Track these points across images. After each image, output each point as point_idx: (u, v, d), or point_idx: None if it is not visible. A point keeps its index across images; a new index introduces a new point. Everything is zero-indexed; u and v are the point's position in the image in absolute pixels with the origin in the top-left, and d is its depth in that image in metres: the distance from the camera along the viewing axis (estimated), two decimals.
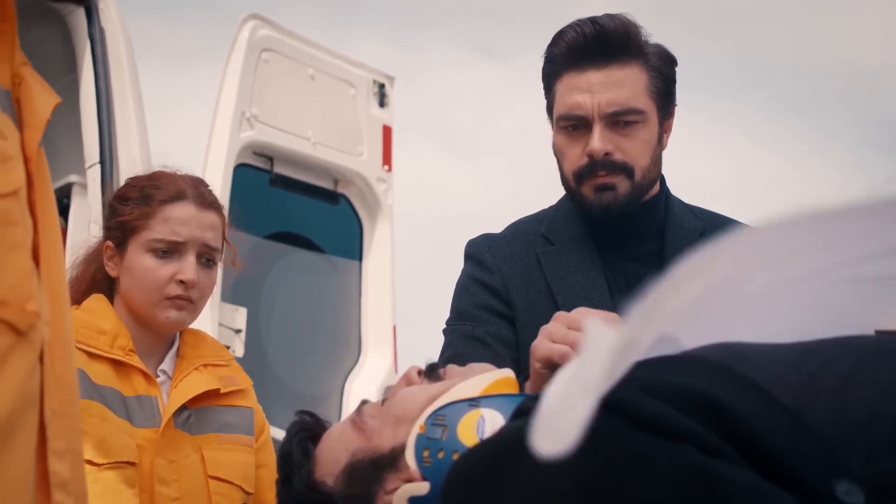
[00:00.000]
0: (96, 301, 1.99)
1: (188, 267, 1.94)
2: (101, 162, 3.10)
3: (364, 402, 1.27)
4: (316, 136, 3.78)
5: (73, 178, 3.36)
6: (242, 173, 3.55)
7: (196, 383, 1.97)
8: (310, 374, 3.79)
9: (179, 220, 1.95)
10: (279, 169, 3.73)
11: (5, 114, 0.89)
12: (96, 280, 2.02)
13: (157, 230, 1.95)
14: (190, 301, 1.96)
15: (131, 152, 3.15)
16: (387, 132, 4.07)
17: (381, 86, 4.06)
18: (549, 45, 1.81)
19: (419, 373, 1.28)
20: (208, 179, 3.39)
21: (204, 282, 1.98)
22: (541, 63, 1.84)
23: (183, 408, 1.94)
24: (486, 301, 1.83)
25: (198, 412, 1.96)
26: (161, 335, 2.00)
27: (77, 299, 1.99)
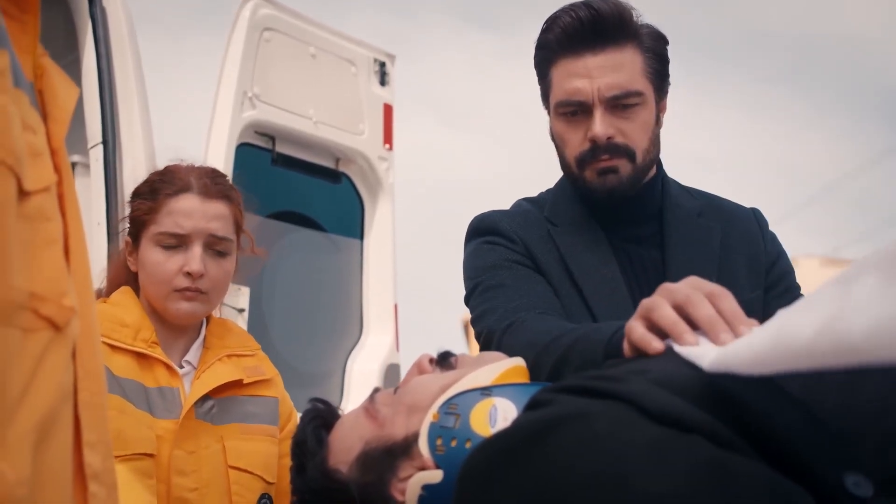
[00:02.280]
0: (123, 294, 2.01)
1: (193, 259, 1.94)
2: (104, 142, 3.09)
3: (377, 390, 1.29)
4: (317, 115, 3.77)
5: (75, 157, 3.36)
6: (244, 153, 3.55)
7: (218, 374, 1.97)
8: (312, 352, 3.80)
9: (183, 212, 1.96)
10: (281, 148, 3.72)
11: (33, 108, 0.89)
12: (130, 273, 2.04)
13: (162, 223, 1.96)
14: (200, 292, 1.96)
15: (134, 132, 3.15)
16: (388, 111, 4.06)
17: (382, 64, 4.04)
18: (542, 32, 1.79)
19: (431, 361, 1.29)
20: (210, 159, 3.41)
21: (214, 272, 1.98)
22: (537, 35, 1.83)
23: (206, 398, 1.95)
24: (515, 257, 1.81)
25: (221, 402, 1.97)
26: (181, 326, 2.01)
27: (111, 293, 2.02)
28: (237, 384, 2.00)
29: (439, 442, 1.17)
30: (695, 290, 1.19)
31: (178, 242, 1.96)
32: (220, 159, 3.39)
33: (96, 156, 3.10)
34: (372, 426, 1.23)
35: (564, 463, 0.94)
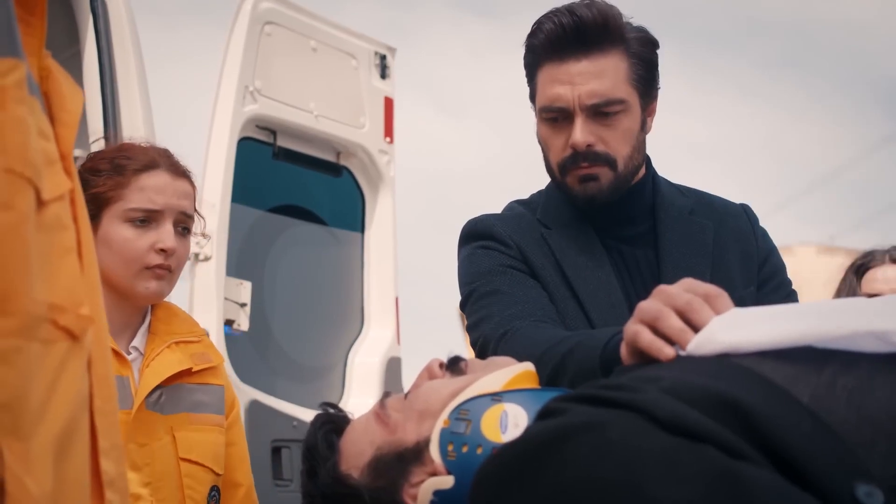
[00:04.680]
0: None
1: (167, 235, 1.92)
2: (106, 137, 3.09)
3: (387, 395, 1.29)
4: (318, 109, 3.77)
5: (77, 152, 3.35)
6: (246, 147, 3.55)
7: (168, 363, 1.94)
8: (314, 346, 3.81)
9: (155, 188, 1.93)
10: (282, 142, 3.72)
11: (44, 114, 0.89)
12: None
13: (133, 199, 1.92)
14: (169, 270, 1.94)
15: (135, 126, 3.14)
16: (388, 104, 4.06)
17: (383, 57, 4.04)
18: (529, 35, 1.79)
19: (441, 366, 1.29)
20: (212, 154, 3.42)
21: (181, 250, 1.97)
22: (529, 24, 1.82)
23: (155, 387, 1.92)
24: (510, 262, 1.81)
25: (169, 391, 1.94)
26: (135, 309, 1.98)
27: None
28: (185, 372, 1.97)
29: (450, 448, 1.17)
30: (693, 293, 1.20)
31: (149, 219, 1.93)
32: (222, 154, 3.40)
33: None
34: (383, 431, 1.24)
35: (579, 471, 0.95)
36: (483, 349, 1.72)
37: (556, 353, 1.52)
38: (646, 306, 1.21)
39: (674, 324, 1.18)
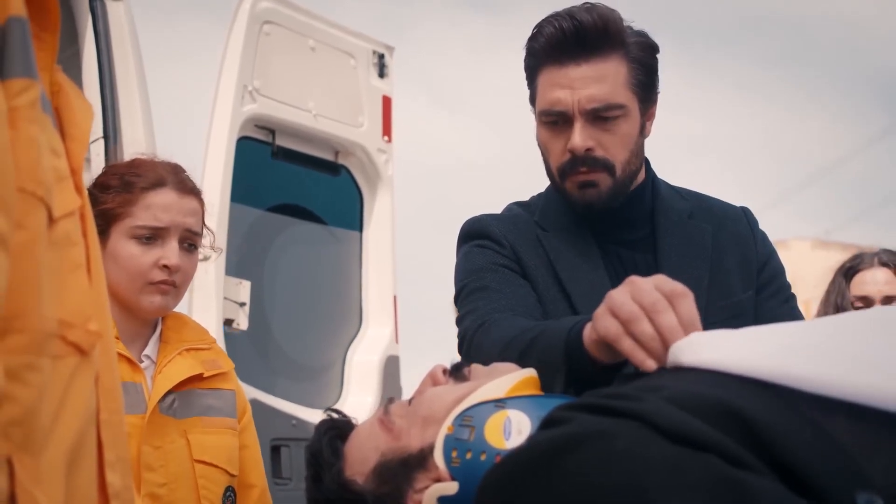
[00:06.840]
0: None
1: (171, 252, 1.98)
2: (105, 137, 3.09)
3: (391, 401, 1.30)
4: (317, 108, 3.78)
5: None
6: (245, 146, 3.56)
7: (180, 369, 2.00)
8: (312, 344, 3.83)
9: (161, 206, 1.99)
10: (281, 141, 3.73)
11: (55, 130, 0.90)
12: None
13: (139, 217, 1.98)
14: (173, 286, 2.00)
15: (135, 127, 3.15)
16: (386, 103, 4.07)
17: (381, 56, 4.05)
18: (529, 39, 1.80)
19: (444, 372, 1.31)
20: (211, 154, 3.42)
21: (186, 266, 2.02)
22: (527, 21, 1.83)
23: (167, 392, 1.97)
24: (502, 261, 1.82)
25: (182, 396, 2.00)
26: (144, 321, 2.03)
27: None
28: (197, 378, 2.02)
29: (454, 454, 1.19)
30: (661, 292, 1.22)
31: (154, 235, 1.98)
32: (221, 154, 3.41)
33: (97, 150, 3.10)
34: (387, 437, 1.25)
35: (585, 479, 0.96)
36: (462, 341, 1.75)
37: (523, 339, 1.54)
38: (619, 303, 1.24)
39: (646, 330, 1.21)
